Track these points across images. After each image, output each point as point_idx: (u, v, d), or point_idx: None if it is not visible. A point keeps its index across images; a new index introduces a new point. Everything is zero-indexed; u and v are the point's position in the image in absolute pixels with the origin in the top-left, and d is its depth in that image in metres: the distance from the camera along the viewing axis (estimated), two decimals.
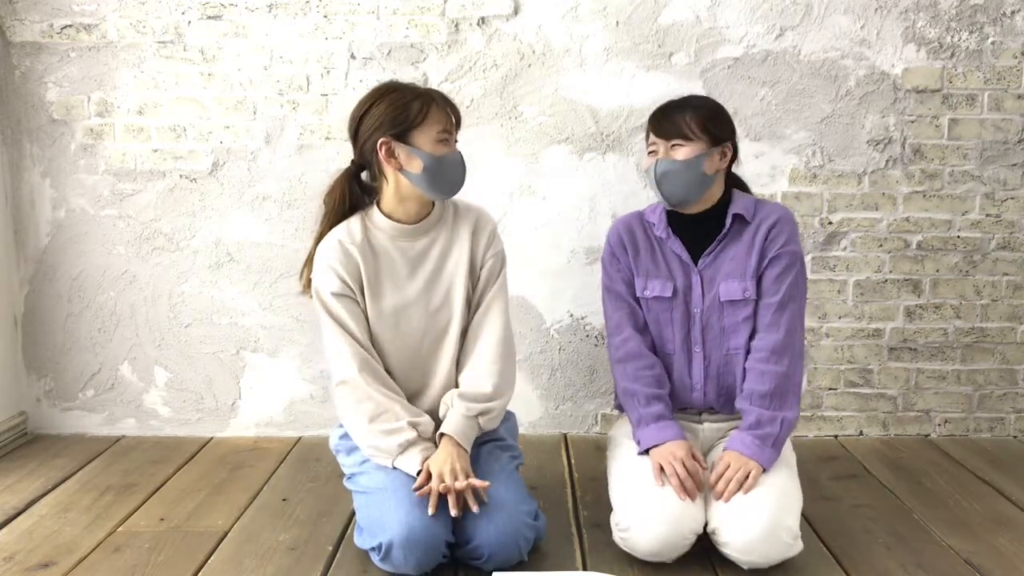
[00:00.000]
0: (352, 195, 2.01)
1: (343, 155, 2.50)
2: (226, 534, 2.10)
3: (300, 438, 2.81)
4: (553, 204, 2.72)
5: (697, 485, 1.88)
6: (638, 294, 2.07)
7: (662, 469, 1.89)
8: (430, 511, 1.79)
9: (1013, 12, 2.63)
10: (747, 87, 2.66)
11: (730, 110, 2.10)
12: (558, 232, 2.73)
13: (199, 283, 2.78)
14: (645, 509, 1.86)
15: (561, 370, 2.80)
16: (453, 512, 1.80)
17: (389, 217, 1.99)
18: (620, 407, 2.14)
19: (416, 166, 1.91)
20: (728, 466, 1.88)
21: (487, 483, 1.84)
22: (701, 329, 2.04)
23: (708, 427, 2.10)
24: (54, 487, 2.40)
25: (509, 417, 2.13)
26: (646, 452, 1.96)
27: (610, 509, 1.98)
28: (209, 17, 2.68)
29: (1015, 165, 2.69)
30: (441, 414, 1.96)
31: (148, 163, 2.74)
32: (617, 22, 2.65)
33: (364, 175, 2.02)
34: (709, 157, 1.96)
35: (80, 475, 2.49)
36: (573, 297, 2.75)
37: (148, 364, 2.82)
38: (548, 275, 2.75)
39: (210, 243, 2.77)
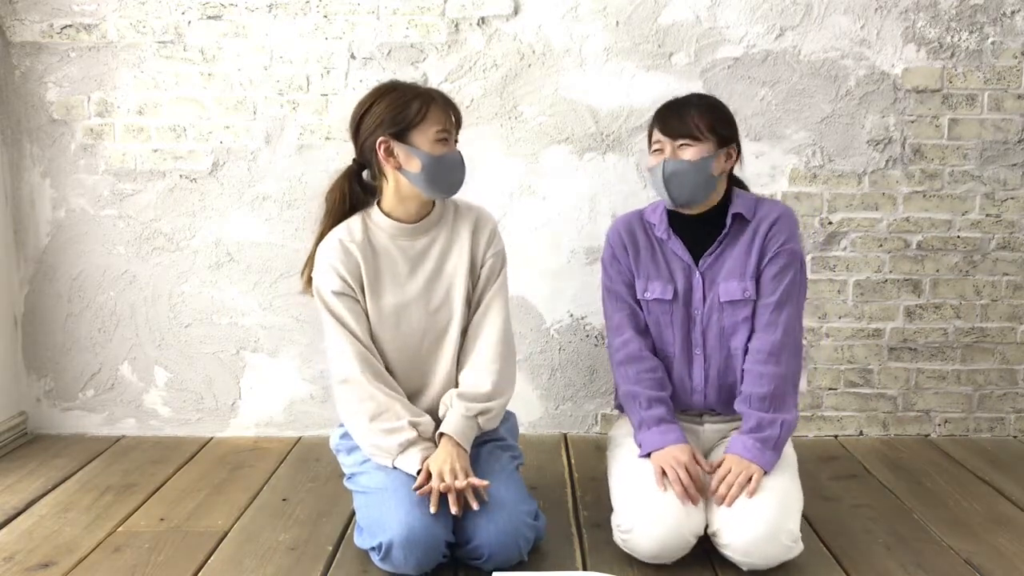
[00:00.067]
0: (353, 194, 2.01)
1: (343, 155, 2.50)
2: (226, 534, 2.10)
3: (300, 438, 2.81)
4: (553, 204, 2.72)
5: (699, 489, 1.88)
6: (638, 296, 2.06)
7: (664, 473, 1.88)
8: (432, 509, 1.79)
9: (1013, 12, 2.63)
10: (747, 87, 2.66)
11: (730, 110, 2.10)
12: (558, 232, 2.73)
13: (199, 283, 2.78)
14: (647, 511, 1.85)
15: (561, 370, 2.80)
16: (454, 510, 1.80)
17: (389, 216, 1.99)
18: (620, 407, 2.14)
19: (415, 165, 1.91)
20: (730, 470, 1.87)
21: (487, 482, 1.84)
22: (702, 331, 2.03)
23: (709, 428, 2.09)
24: (54, 487, 2.40)
25: (509, 417, 2.13)
26: (648, 455, 1.95)
27: (610, 509, 1.98)
28: (209, 17, 2.68)
29: (1015, 165, 2.69)
30: (441, 414, 1.96)
31: (148, 163, 2.74)
32: (617, 22, 2.65)
33: (365, 174, 2.02)
34: (716, 158, 1.95)
35: (80, 475, 2.49)
36: (573, 297, 2.75)
37: (148, 364, 2.82)
38: (548, 275, 2.75)
39: (210, 243, 2.77)
